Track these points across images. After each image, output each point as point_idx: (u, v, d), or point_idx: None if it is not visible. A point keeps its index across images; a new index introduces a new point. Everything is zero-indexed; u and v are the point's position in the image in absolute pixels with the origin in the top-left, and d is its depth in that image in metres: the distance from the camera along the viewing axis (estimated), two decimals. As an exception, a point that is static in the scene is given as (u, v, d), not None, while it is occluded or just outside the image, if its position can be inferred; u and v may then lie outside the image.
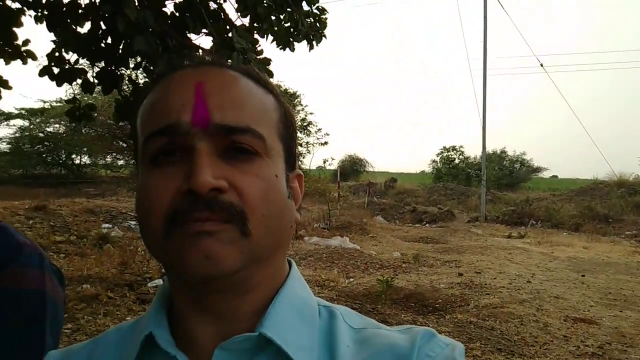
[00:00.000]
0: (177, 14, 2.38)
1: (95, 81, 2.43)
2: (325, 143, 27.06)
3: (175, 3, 2.40)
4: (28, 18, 2.55)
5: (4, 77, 2.89)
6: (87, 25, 2.29)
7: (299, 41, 3.09)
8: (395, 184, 24.25)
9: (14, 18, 2.52)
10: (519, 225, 15.13)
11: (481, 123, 17.95)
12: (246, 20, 2.76)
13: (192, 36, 2.42)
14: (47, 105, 21.03)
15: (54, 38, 2.42)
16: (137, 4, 2.16)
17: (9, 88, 2.93)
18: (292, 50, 3.11)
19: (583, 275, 7.49)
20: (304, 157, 25.14)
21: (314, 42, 3.17)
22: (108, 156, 22.83)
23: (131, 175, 21.18)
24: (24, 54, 2.72)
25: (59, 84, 2.53)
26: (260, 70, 0.62)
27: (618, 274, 7.75)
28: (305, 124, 26.00)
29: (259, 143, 0.53)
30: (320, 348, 0.55)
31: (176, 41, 2.28)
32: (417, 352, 0.54)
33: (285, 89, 24.03)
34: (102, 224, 9.04)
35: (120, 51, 2.29)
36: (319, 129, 26.78)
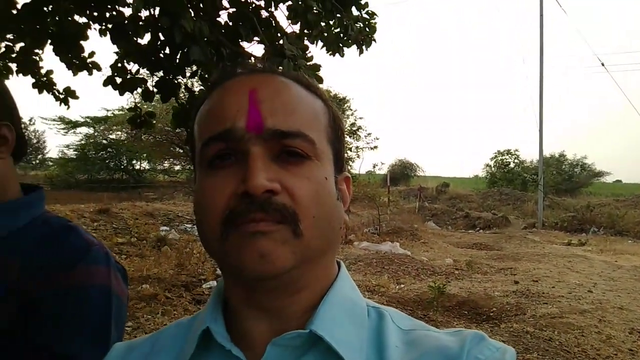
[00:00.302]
0: (230, 24, 2.46)
1: (155, 90, 2.55)
2: (375, 147, 26.89)
3: (228, 13, 2.47)
4: (93, 31, 2.71)
5: (72, 88, 3.09)
6: (147, 37, 2.40)
7: (348, 46, 3.10)
8: (448, 189, 23.80)
9: (81, 32, 2.69)
10: (580, 232, 14.44)
11: (538, 125, 17.30)
12: (297, 27, 2.80)
13: (245, 44, 2.48)
14: (110, 114, 22.17)
15: (117, 50, 2.56)
16: (193, 15, 2.25)
17: (76, 98, 3.12)
18: (342, 55, 3.13)
19: (651, 286, 7.04)
20: (353, 162, 25.07)
21: (364, 47, 3.17)
22: (166, 162, 23.77)
23: (187, 180, 21.91)
24: (90, 65, 2.89)
25: (121, 93, 2.67)
26: (310, 76, 0.64)
27: (690, 285, 7.22)
28: (354, 128, 25.95)
29: (310, 147, 0.55)
30: (369, 347, 0.56)
31: (230, 50, 2.35)
32: (466, 354, 0.54)
33: (335, 94, 24.10)
34: (160, 226, 9.39)
35: (177, 61, 2.39)
36: (369, 134, 26.66)
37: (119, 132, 22.15)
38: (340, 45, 3.07)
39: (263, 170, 0.52)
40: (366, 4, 3.10)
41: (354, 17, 3.03)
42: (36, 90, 2.98)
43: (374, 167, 28.40)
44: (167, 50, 2.40)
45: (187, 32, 2.08)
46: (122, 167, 24.55)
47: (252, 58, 2.35)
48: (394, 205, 15.63)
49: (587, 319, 5.19)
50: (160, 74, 2.50)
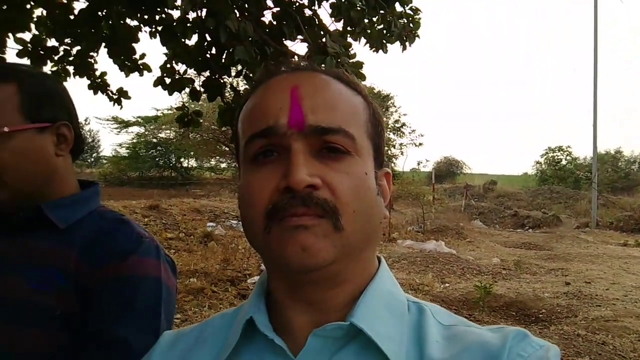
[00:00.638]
0: (274, 23, 2.49)
1: (201, 89, 2.62)
2: (420, 144, 26.48)
3: (272, 12, 2.51)
4: (143, 34, 2.82)
5: (124, 88, 3.22)
6: (194, 38, 2.47)
7: (391, 42, 3.07)
8: (495, 187, 23.15)
9: (133, 35, 2.80)
10: (637, 233, 13.71)
11: (592, 121, 16.56)
12: (339, 25, 2.81)
13: (288, 43, 2.51)
14: (159, 113, 22.90)
15: (166, 51, 2.65)
16: (238, 15, 2.30)
17: (128, 98, 3.26)
18: (385, 52, 3.10)
19: None
20: (396, 159, 24.78)
21: (407, 43, 3.13)
22: (212, 159, 24.36)
23: (233, 177, 22.36)
24: (141, 67, 3.00)
25: (170, 93, 2.77)
26: (352, 74, 0.65)
27: None
28: (398, 125, 25.66)
29: (350, 142, 0.56)
30: (408, 341, 0.56)
31: (274, 49, 2.39)
32: (508, 351, 0.53)
33: (379, 91, 23.92)
34: (207, 222, 9.62)
35: (223, 61, 2.45)
36: (413, 130, 26.29)
37: (168, 131, 22.86)
38: (384, 41, 3.05)
39: (304, 165, 0.53)
40: (410, 0, 3.06)
41: (398, 13, 3.00)
42: (91, 91, 3.12)
43: (418, 164, 27.98)
44: (214, 51, 2.47)
45: (232, 32, 2.13)
46: (171, 164, 25.31)
47: (296, 56, 2.37)
48: (439, 204, 15.38)
49: (644, 323, 4.94)
50: (207, 73, 2.57)
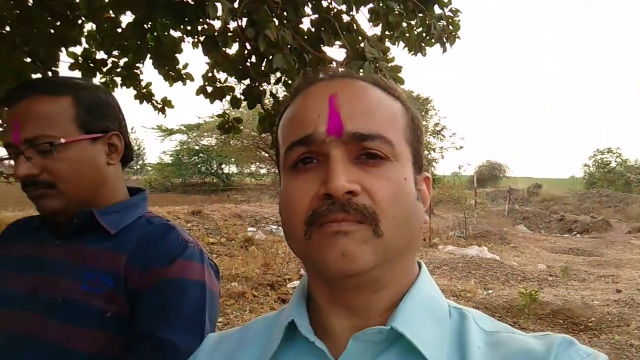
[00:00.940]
0: (313, 30, 2.51)
1: (242, 97, 2.68)
2: (461, 147, 26.03)
3: (311, 20, 2.53)
4: (186, 44, 2.90)
5: (168, 98, 3.33)
6: (235, 47, 2.53)
7: (431, 45, 3.03)
8: (540, 190, 22.42)
9: (177, 45, 2.88)
10: (696, 238, 12.97)
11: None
12: (377, 30, 2.80)
13: (327, 49, 2.52)
14: (202, 121, 23.47)
15: (208, 60, 2.72)
16: (277, 24, 2.33)
17: (172, 107, 3.36)
18: (424, 55, 3.07)
19: None
20: (437, 163, 24.41)
21: (447, 45, 3.09)
22: (252, 165, 24.72)
23: (273, 183, 22.61)
24: (184, 76, 3.09)
25: (212, 101, 2.83)
26: (390, 78, 0.66)
27: None
28: (438, 128, 25.29)
29: (388, 148, 0.57)
30: (450, 346, 0.56)
31: (312, 55, 2.41)
32: (553, 358, 0.52)
33: (417, 95, 23.65)
34: (247, 227, 9.77)
35: (262, 69, 2.49)
36: (454, 134, 25.86)
37: (210, 138, 23.40)
38: (423, 45, 3.02)
39: (343, 172, 0.54)
40: (449, 1, 3.02)
41: (437, 16, 2.97)
42: (137, 101, 3.24)
43: (459, 168, 27.46)
44: (253, 59, 2.52)
45: (271, 41, 2.17)
46: (213, 171, 25.89)
47: (334, 62, 2.38)
48: (481, 208, 14.99)
49: None
50: (247, 81, 2.62)
